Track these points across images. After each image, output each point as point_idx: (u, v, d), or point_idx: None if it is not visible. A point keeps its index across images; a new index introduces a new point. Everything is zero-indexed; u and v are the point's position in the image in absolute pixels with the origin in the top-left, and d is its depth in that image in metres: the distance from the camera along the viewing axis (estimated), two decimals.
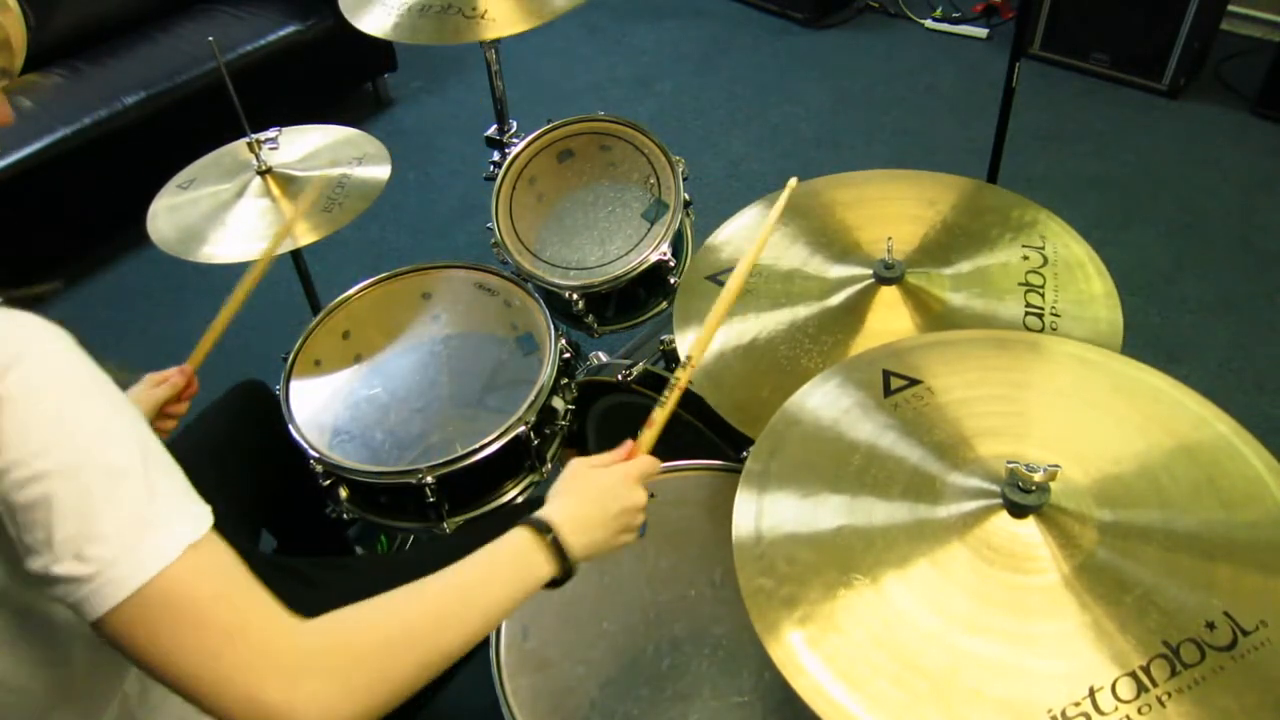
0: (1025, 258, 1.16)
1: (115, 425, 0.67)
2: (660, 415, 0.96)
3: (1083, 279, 1.13)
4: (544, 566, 0.83)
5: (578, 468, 0.93)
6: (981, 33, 3.43)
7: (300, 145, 1.69)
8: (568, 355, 1.54)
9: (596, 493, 0.90)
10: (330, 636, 0.69)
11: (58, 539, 0.63)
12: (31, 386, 0.64)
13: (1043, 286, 1.13)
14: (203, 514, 0.70)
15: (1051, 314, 1.10)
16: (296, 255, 1.81)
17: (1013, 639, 0.73)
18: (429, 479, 1.35)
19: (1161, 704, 0.68)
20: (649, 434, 0.96)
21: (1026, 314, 1.11)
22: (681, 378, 0.97)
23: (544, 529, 0.84)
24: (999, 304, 1.12)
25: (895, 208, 1.27)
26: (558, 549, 0.84)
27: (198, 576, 0.65)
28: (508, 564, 0.82)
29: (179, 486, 0.70)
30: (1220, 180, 2.73)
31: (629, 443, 0.96)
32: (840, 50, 3.48)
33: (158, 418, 1.24)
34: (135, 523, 0.64)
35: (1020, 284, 1.14)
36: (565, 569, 0.84)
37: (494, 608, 0.80)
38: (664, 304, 1.69)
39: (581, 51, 3.59)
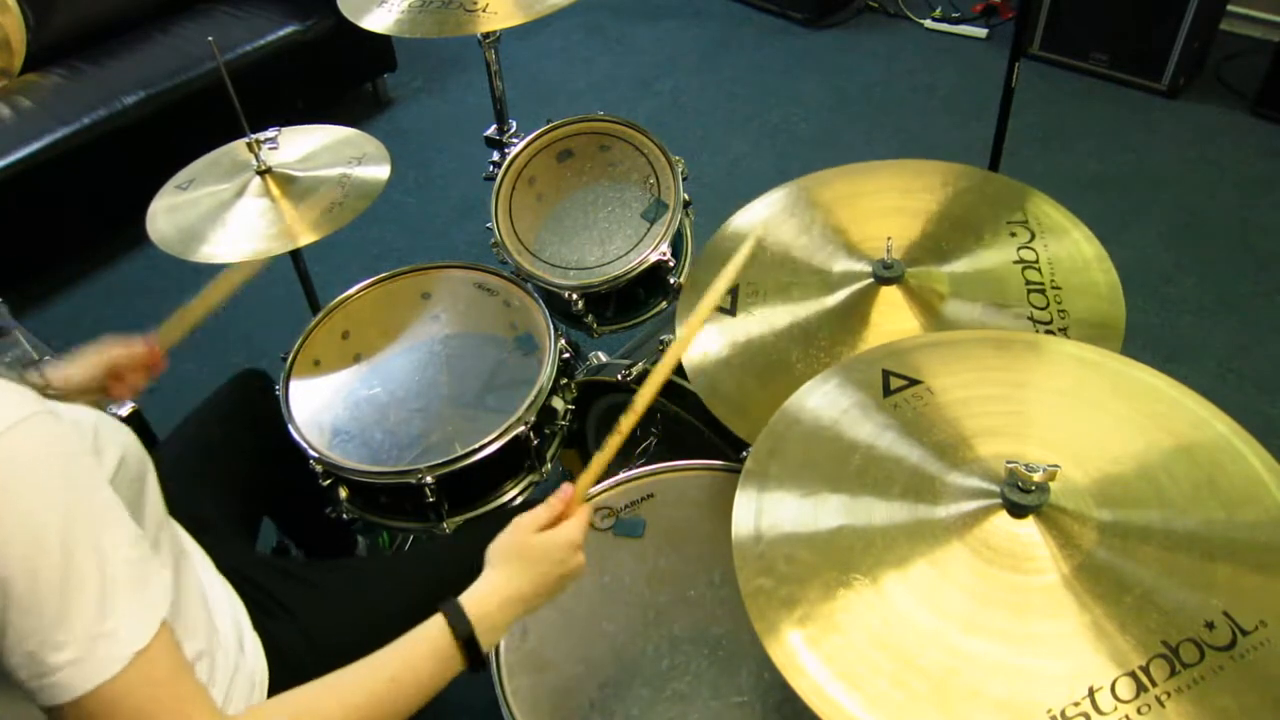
0: (1022, 249, 1.16)
1: (78, 522, 0.71)
2: (598, 461, 0.95)
3: (1082, 268, 1.13)
4: (458, 662, 0.87)
5: (520, 540, 0.93)
6: (981, 33, 3.43)
7: (300, 145, 1.69)
8: (567, 355, 1.54)
9: (535, 564, 0.91)
10: None
11: (11, 637, 0.68)
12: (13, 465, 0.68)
13: (1042, 281, 1.13)
14: (156, 609, 0.74)
15: (1055, 304, 1.10)
16: (296, 255, 1.81)
17: (1012, 639, 0.73)
18: (429, 479, 1.35)
19: (1161, 704, 0.68)
20: (586, 479, 0.95)
21: (1030, 299, 1.10)
22: (623, 423, 0.95)
23: (464, 635, 0.86)
24: (1000, 299, 1.12)
25: (893, 200, 1.26)
26: (470, 647, 0.86)
27: (141, 684, 0.71)
28: (428, 659, 0.85)
29: (140, 574, 0.74)
30: (1220, 180, 2.73)
31: (567, 488, 0.95)
32: (840, 50, 3.48)
33: (110, 378, 1.23)
34: (87, 633, 0.69)
35: (1020, 278, 1.14)
36: (478, 664, 0.88)
37: (412, 702, 0.84)
38: (664, 304, 1.69)
39: (581, 51, 3.59)
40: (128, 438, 0.91)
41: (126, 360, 1.25)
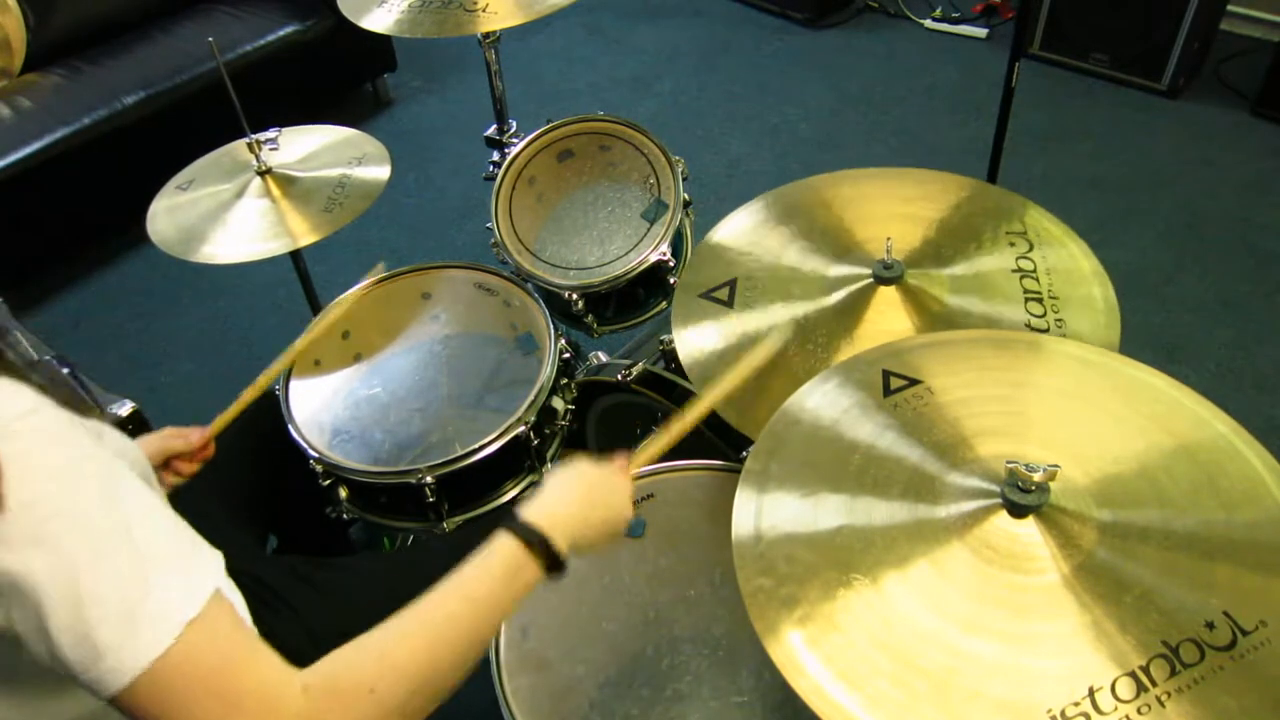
0: (1021, 259, 1.16)
1: (113, 494, 0.69)
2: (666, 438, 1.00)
3: (1079, 280, 1.13)
4: (536, 572, 0.84)
5: (577, 471, 0.94)
6: (981, 33, 3.43)
7: (300, 145, 1.69)
8: (567, 355, 1.54)
9: (589, 494, 0.92)
10: (335, 679, 0.72)
11: (52, 626, 0.64)
12: (32, 448, 0.66)
13: (1039, 291, 1.13)
14: (205, 579, 0.71)
15: (1052, 313, 1.10)
16: (296, 255, 1.81)
17: (1012, 639, 0.73)
18: (429, 479, 1.35)
19: (1161, 704, 0.68)
20: (641, 458, 0.99)
21: (1027, 307, 1.11)
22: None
23: (531, 537, 0.84)
24: (998, 304, 1.12)
25: (892, 207, 1.27)
26: (546, 551, 0.85)
27: (198, 652, 0.67)
28: (501, 575, 0.83)
29: (181, 550, 0.71)
30: (1220, 180, 2.73)
31: (624, 454, 0.98)
32: (840, 50, 3.48)
33: (164, 468, 1.23)
34: (131, 609, 0.66)
35: (1018, 285, 1.14)
36: (558, 567, 0.86)
37: (492, 619, 0.81)
38: (664, 304, 1.69)
39: (581, 51, 3.59)
40: (134, 452, 0.91)
41: (180, 447, 1.24)
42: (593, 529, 0.90)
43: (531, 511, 0.87)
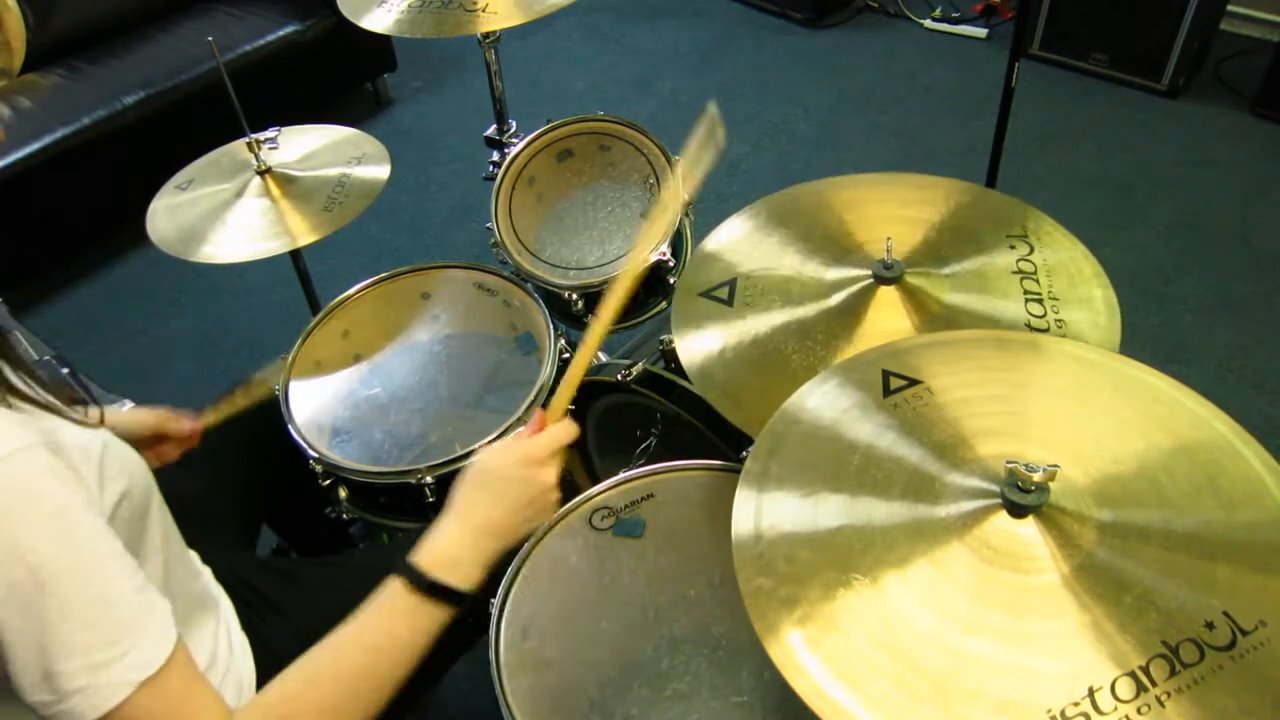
0: (1021, 261, 1.16)
1: (89, 553, 0.73)
2: (568, 378, 0.97)
3: (1080, 283, 1.13)
4: (433, 610, 0.86)
5: (478, 465, 0.93)
6: (981, 33, 3.43)
7: (300, 145, 1.69)
8: (567, 355, 1.54)
9: (498, 492, 0.91)
10: None
11: (16, 670, 0.69)
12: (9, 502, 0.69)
13: (1040, 291, 1.13)
14: (164, 636, 0.75)
15: (1052, 314, 1.10)
16: (296, 255, 1.81)
17: (1012, 639, 0.73)
18: (428, 479, 1.35)
19: (1161, 704, 0.68)
20: (557, 401, 0.97)
21: (1027, 307, 1.11)
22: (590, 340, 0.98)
23: (420, 582, 0.85)
24: (998, 304, 1.12)
25: (891, 210, 1.27)
26: (438, 590, 0.86)
27: (150, 706, 0.72)
28: (399, 618, 0.85)
29: (146, 605, 0.75)
30: (1219, 180, 2.73)
31: (539, 413, 0.96)
32: (840, 50, 3.48)
33: (148, 444, 1.24)
34: (95, 666, 0.70)
35: (1018, 286, 1.14)
36: (458, 599, 0.87)
37: (404, 657, 0.84)
38: (664, 304, 1.69)
39: (581, 51, 3.59)
40: (135, 466, 0.91)
41: (173, 429, 1.27)
42: (515, 523, 0.91)
43: (424, 552, 0.88)
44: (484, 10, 1.54)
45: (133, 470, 0.89)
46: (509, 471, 0.92)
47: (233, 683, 1.00)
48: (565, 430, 0.96)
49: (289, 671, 0.81)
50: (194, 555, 1.08)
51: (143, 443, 1.23)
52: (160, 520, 0.94)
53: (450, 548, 0.88)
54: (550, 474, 0.93)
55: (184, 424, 1.28)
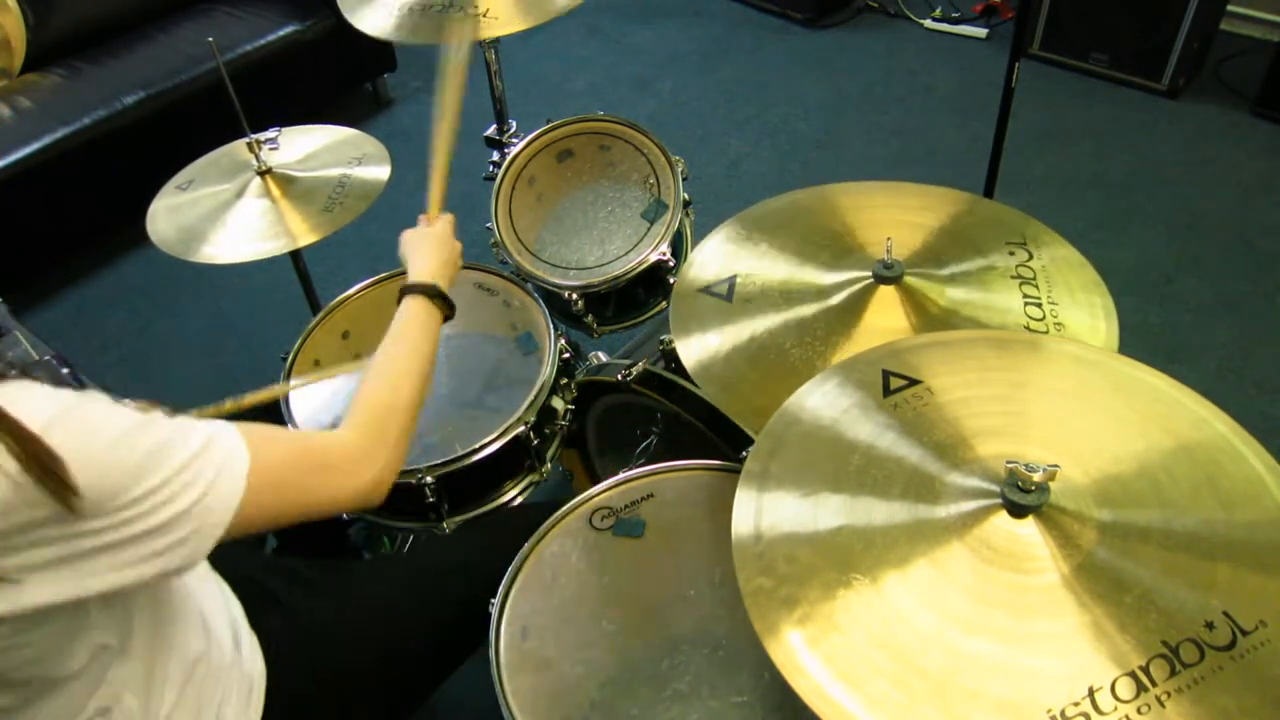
0: (1020, 266, 1.17)
1: (157, 439, 0.76)
2: (435, 171, 1.31)
3: (1079, 288, 1.13)
4: (439, 318, 1.14)
5: (412, 234, 1.26)
6: (981, 33, 3.43)
7: (300, 145, 1.69)
8: (567, 355, 1.54)
9: (437, 247, 1.22)
10: (362, 429, 0.95)
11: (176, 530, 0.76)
12: (77, 433, 0.71)
13: (1039, 296, 1.13)
14: (229, 437, 0.82)
15: (1051, 318, 1.10)
16: (296, 255, 1.81)
17: (1012, 639, 0.73)
18: (429, 479, 1.35)
19: (1161, 704, 0.68)
20: (433, 196, 1.31)
21: (1026, 310, 1.11)
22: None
23: (433, 294, 1.13)
24: (998, 307, 1.13)
25: (892, 214, 1.27)
26: (444, 301, 1.15)
27: (262, 464, 0.82)
28: (424, 326, 1.11)
29: (208, 427, 0.82)
30: (1220, 180, 2.73)
31: (422, 216, 1.29)
32: (840, 50, 3.48)
33: None
34: (202, 497, 0.77)
35: (1017, 290, 1.14)
36: (452, 309, 1.16)
37: (430, 359, 1.09)
38: (664, 304, 1.69)
39: (581, 51, 3.59)
40: None
41: None
42: (450, 271, 1.21)
43: (419, 274, 1.16)
44: (484, 16, 1.55)
45: None
46: (433, 240, 1.23)
47: (241, 681, 1.00)
48: (449, 219, 1.29)
49: (367, 385, 1.00)
50: None
51: None
52: None
53: (429, 274, 1.16)
54: (457, 245, 1.27)
55: None
